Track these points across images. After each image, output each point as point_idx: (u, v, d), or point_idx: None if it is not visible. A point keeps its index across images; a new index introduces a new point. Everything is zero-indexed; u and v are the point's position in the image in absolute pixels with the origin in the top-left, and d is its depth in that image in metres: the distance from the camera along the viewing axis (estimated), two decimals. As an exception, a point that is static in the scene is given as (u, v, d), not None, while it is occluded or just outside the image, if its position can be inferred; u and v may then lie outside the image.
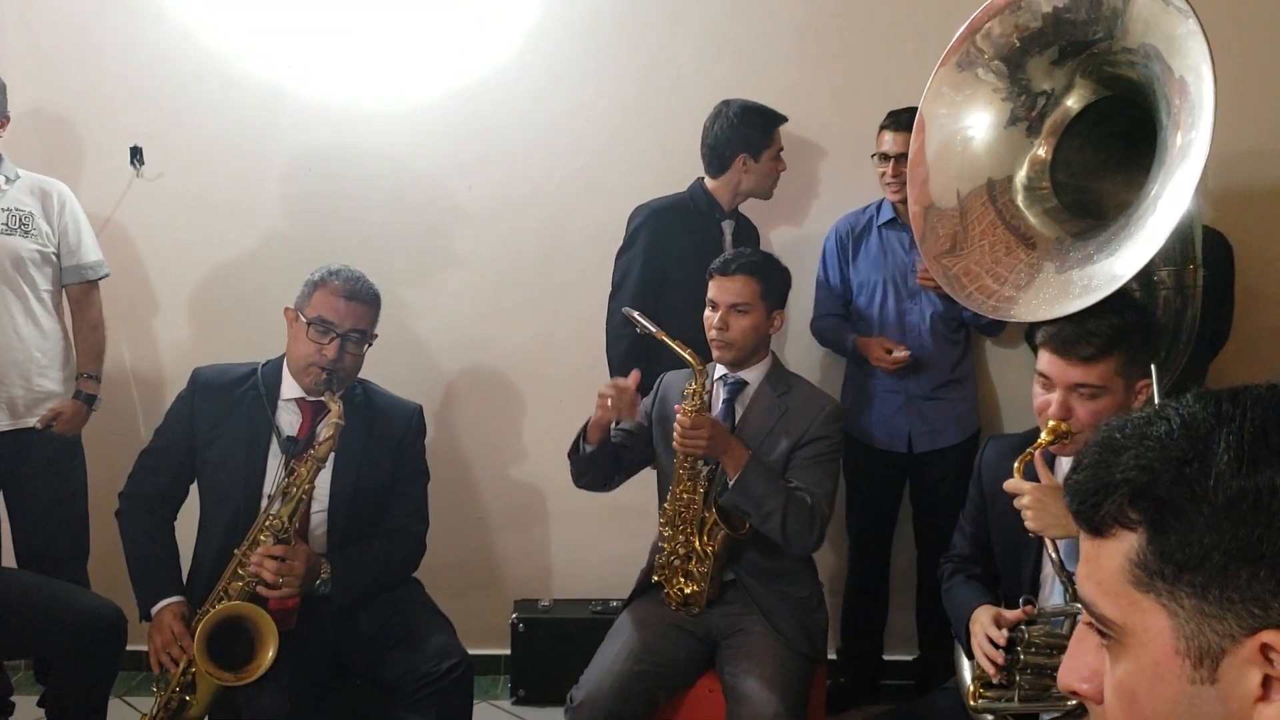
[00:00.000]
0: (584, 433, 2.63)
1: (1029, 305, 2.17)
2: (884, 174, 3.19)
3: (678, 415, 2.50)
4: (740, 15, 3.41)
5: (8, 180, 3.05)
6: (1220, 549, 0.73)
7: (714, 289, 2.62)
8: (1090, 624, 0.84)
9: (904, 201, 3.17)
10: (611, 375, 3.19)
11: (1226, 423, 0.75)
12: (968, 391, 3.36)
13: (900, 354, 3.17)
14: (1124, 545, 0.78)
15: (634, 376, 2.60)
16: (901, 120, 3.11)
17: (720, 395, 2.69)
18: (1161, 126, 2.01)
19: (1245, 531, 0.72)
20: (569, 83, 3.45)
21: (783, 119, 3.19)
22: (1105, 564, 0.80)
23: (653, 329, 2.56)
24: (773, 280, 2.63)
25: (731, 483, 2.48)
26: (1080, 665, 0.86)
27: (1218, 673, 0.73)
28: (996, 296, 2.25)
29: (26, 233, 3.04)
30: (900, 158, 3.10)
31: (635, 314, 2.62)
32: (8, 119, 3.05)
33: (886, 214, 3.29)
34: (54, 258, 3.12)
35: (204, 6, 3.38)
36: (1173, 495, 0.75)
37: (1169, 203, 1.93)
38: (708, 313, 2.65)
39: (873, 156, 3.24)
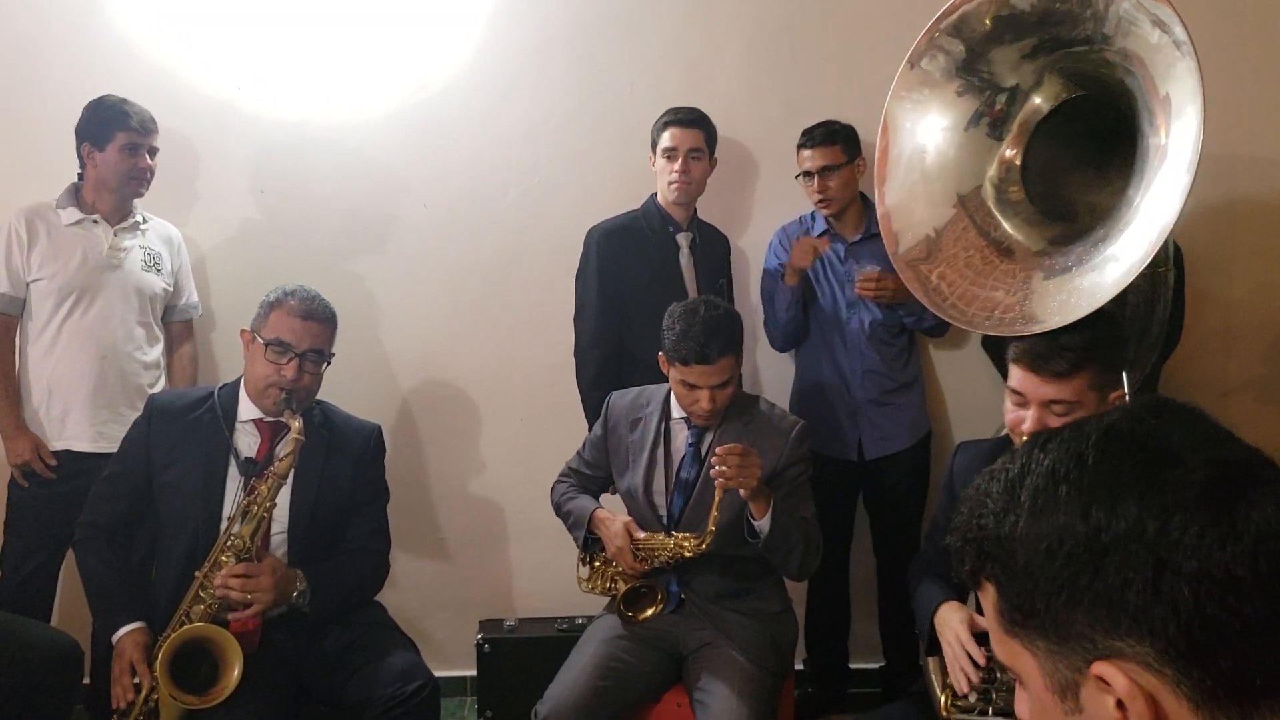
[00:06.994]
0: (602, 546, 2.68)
1: (1040, 318, 2.12)
2: (812, 191, 3.22)
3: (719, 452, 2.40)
4: (691, 29, 3.44)
5: (145, 220, 3.18)
6: (1040, 593, 0.77)
7: (694, 375, 2.51)
8: None
9: (837, 216, 3.22)
10: (582, 398, 3.20)
11: (1030, 472, 0.80)
12: (916, 396, 3.38)
13: (818, 242, 3.15)
14: (991, 597, 0.83)
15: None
16: (815, 136, 3.17)
17: (685, 439, 2.66)
18: (1143, 136, 2.00)
19: (1053, 573, 0.76)
20: (521, 99, 3.45)
21: (675, 120, 3.12)
22: (988, 614, 0.85)
23: None
24: (741, 343, 2.60)
25: (766, 522, 2.43)
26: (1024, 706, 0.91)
27: (1080, 702, 0.78)
28: (1002, 310, 2.20)
29: (159, 271, 3.20)
30: (823, 171, 3.16)
31: None
32: (156, 149, 3.14)
33: (821, 226, 3.32)
34: (169, 295, 3.27)
35: (151, 27, 3.34)
36: (998, 549, 0.80)
37: (1158, 208, 1.93)
38: (683, 393, 2.56)
39: (797, 177, 3.26)
